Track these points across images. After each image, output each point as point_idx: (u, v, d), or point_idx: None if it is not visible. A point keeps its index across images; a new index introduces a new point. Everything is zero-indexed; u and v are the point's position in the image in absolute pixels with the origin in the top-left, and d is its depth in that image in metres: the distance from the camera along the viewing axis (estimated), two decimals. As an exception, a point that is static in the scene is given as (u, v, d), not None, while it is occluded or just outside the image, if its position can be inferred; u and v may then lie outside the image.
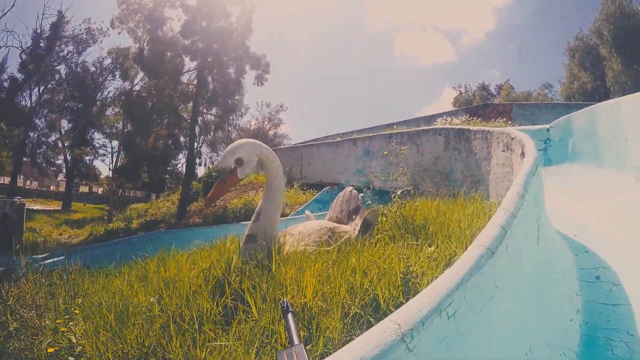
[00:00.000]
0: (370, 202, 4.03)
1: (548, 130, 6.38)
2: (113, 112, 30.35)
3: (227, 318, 2.02)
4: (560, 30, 64.89)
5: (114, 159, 29.85)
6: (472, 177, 6.37)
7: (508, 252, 1.59)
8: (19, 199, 14.44)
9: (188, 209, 17.31)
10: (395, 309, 1.17)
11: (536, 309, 2.15)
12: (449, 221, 3.05)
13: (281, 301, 1.03)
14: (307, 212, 4.29)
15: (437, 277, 1.31)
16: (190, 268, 2.87)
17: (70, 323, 2.25)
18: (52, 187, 45.32)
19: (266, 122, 42.48)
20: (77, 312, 2.43)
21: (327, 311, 1.85)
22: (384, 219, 3.37)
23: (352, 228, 3.34)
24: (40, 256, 9.24)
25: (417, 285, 2.05)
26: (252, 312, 1.91)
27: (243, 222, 11.91)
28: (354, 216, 3.65)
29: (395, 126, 16.73)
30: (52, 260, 8.58)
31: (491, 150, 5.60)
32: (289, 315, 0.94)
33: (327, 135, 24.60)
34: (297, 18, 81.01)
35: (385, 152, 4.38)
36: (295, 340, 0.80)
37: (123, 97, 20.53)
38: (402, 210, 3.35)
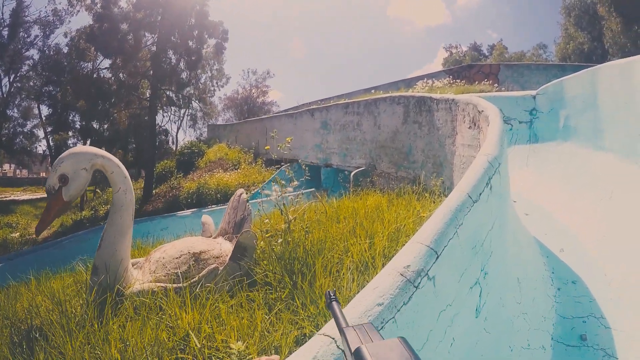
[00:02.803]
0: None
1: (534, 97, 5.06)
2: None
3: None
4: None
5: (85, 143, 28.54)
6: (434, 158, 5.11)
7: None
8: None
9: (154, 192, 16.08)
10: None
11: None
12: (350, 248, 1.98)
13: (326, 292, 0.82)
14: (204, 217, 3.15)
15: None
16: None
17: None
18: (42, 174, 44.18)
19: (253, 90, 41.02)
20: None
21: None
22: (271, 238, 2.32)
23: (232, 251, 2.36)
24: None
25: None
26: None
27: (178, 214, 10.90)
28: (239, 231, 2.69)
29: (373, 90, 15.39)
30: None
31: (456, 126, 4.36)
32: (334, 304, 0.73)
33: (303, 103, 23.04)
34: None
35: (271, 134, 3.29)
36: (343, 324, 0.63)
37: (69, 78, 19.14)
38: (290, 229, 2.26)
